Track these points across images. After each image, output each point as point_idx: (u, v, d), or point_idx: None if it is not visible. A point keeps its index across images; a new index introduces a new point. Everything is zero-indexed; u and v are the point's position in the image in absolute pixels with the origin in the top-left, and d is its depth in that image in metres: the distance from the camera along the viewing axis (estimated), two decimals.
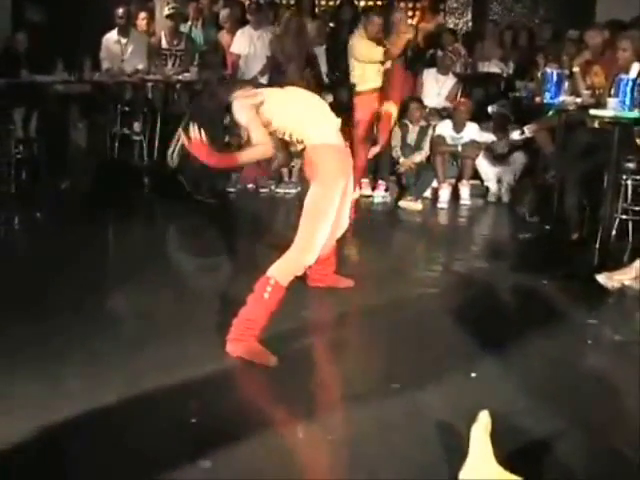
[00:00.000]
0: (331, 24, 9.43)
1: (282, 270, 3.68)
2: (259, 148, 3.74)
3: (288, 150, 4.03)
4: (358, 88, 7.32)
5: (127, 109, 8.40)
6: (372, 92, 7.27)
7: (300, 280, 3.98)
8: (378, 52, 7.15)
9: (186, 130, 3.61)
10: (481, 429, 2.62)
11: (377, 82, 7.28)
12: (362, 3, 11.67)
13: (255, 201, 7.72)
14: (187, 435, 3.00)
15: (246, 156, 3.81)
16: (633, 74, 5.30)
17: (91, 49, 8.45)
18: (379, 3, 11.59)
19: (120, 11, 8.54)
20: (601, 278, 4.91)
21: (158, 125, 8.29)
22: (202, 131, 3.61)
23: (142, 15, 9.03)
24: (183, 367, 3.57)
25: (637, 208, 5.87)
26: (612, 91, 5.54)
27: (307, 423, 3.19)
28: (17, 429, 2.97)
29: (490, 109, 8.13)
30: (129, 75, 8.32)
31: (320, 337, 4.27)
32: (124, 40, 8.54)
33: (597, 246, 5.36)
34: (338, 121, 4.05)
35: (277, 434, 3.08)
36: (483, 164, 7.87)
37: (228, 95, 3.85)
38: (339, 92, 7.85)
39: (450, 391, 3.45)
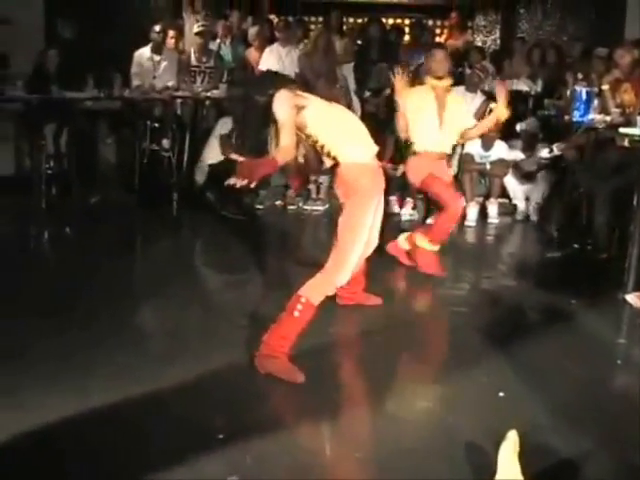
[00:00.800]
0: (359, 42, 9.50)
1: (314, 289, 3.68)
2: (283, 150, 3.59)
3: (318, 156, 3.95)
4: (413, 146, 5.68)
5: (156, 125, 8.45)
6: (428, 156, 5.60)
7: (328, 297, 3.97)
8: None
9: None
10: (509, 448, 2.61)
11: (436, 144, 5.60)
12: (390, 21, 11.76)
13: (283, 218, 7.73)
14: (214, 450, 3.00)
15: (280, 157, 3.58)
16: None
17: (121, 66, 8.53)
18: (407, 21, 11.65)
19: (157, 27, 8.63)
20: (630, 298, 4.88)
21: (187, 141, 8.34)
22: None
23: (171, 33, 9.11)
24: (210, 383, 3.59)
25: None
26: None
27: (334, 440, 3.20)
28: (41, 442, 3.00)
29: (518, 127, 8.11)
30: (159, 92, 8.38)
31: (348, 354, 4.28)
32: (157, 57, 8.61)
33: (626, 265, 5.31)
34: (375, 148, 3.98)
35: (304, 450, 3.08)
36: (511, 182, 7.84)
37: (273, 89, 3.70)
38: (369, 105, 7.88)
39: (478, 410, 3.43)
